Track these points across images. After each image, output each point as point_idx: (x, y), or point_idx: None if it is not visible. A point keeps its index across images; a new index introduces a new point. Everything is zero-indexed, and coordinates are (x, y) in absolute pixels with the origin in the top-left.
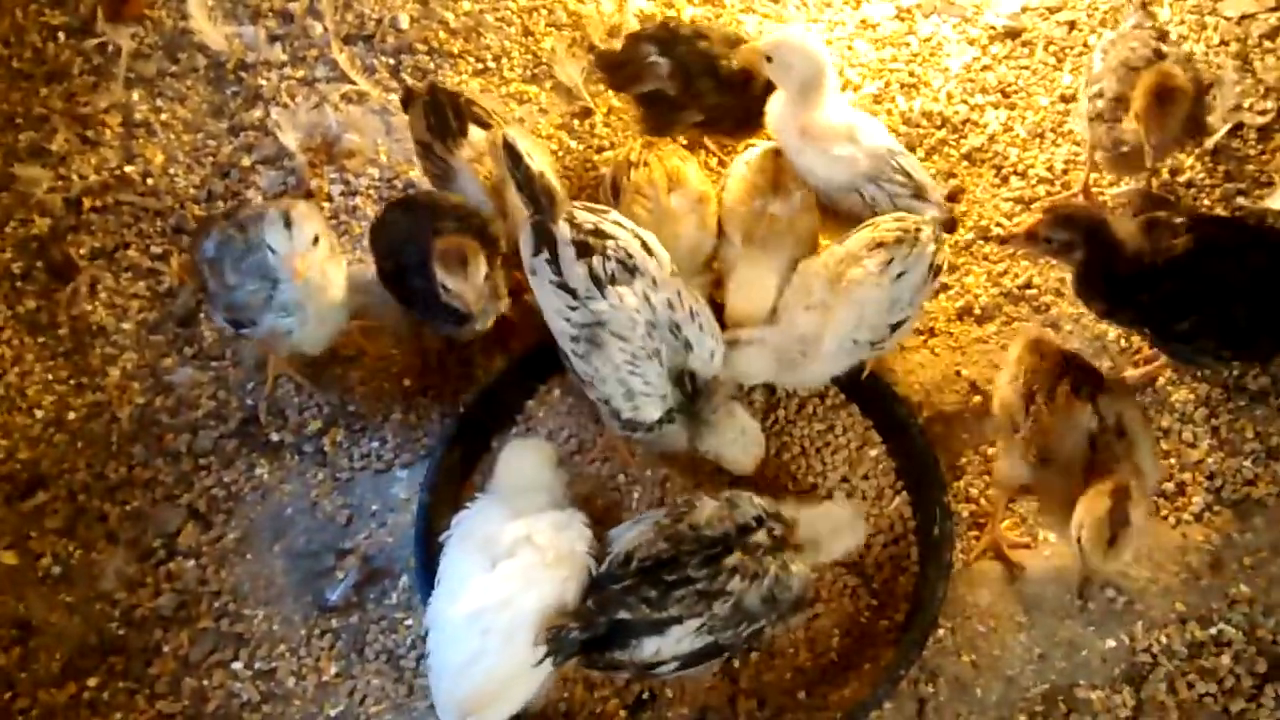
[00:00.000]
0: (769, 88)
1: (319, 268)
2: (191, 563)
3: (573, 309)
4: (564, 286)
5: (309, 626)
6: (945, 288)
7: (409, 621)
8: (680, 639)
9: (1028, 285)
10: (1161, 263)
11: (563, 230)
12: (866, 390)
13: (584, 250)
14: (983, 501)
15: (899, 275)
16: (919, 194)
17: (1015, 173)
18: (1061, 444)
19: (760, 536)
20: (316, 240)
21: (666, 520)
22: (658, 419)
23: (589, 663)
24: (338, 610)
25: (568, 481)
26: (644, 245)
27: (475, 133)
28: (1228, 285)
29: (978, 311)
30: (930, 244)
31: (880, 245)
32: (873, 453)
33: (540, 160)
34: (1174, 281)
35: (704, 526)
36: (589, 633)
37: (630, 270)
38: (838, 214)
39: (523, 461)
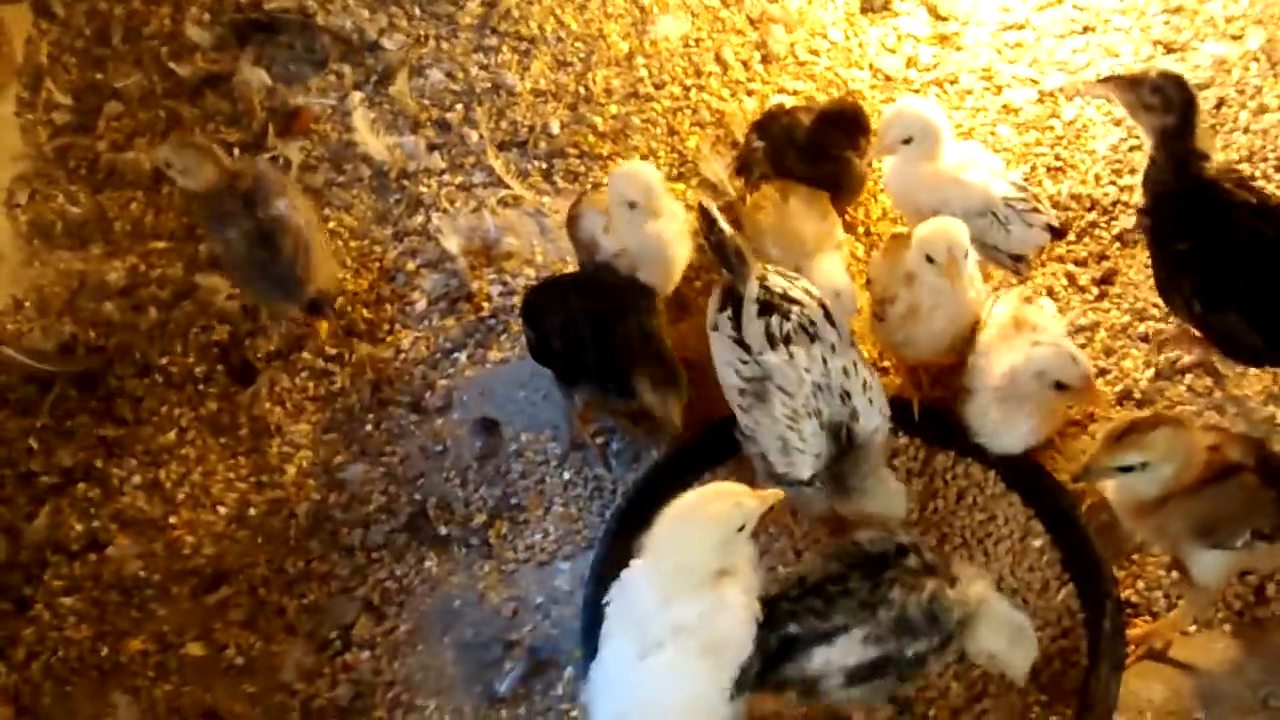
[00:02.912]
0: (845, 149)
1: None
2: (366, 654)
3: (744, 363)
4: (740, 342)
5: (479, 717)
6: (1103, 372)
7: (574, 714)
8: (848, 649)
9: (1187, 370)
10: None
11: (751, 289)
12: (1028, 478)
13: (766, 309)
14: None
15: None
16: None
17: None
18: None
19: (912, 561)
20: None
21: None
22: (808, 478)
23: (760, 684)
24: (506, 701)
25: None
26: (827, 315)
27: None
28: None
29: (1138, 395)
30: None
31: None
32: (1036, 543)
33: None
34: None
35: (868, 544)
36: (762, 656)
37: (811, 336)
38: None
39: (688, 539)
